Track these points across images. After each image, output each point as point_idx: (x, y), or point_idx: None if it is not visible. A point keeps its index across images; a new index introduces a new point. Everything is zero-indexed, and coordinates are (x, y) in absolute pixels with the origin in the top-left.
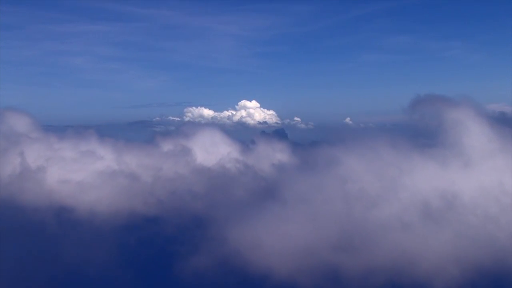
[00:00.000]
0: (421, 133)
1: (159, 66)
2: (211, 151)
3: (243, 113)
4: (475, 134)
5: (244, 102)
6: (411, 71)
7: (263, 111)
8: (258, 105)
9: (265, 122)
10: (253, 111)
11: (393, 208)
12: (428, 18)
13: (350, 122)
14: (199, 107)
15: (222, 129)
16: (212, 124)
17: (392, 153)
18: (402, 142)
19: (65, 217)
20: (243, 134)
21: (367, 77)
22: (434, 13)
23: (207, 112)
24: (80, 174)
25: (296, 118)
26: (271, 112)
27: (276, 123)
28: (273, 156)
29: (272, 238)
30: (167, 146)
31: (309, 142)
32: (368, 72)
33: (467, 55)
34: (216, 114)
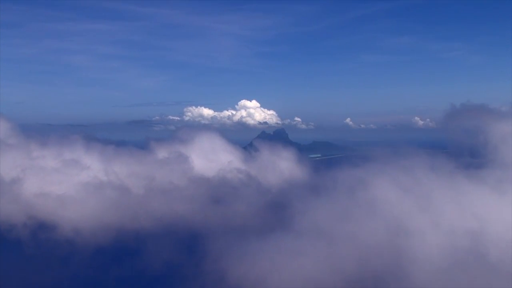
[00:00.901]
0: (463, 151)
1: (159, 65)
2: (210, 159)
3: (243, 113)
4: None
5: (244, 102)
6: (412, 72)
7: (263, 111)
8: (258, 105)
9: (265, 123)
10: (253, 111)
11: (435, 246)
12: (429, 19)
13: (351, 122)
14: (199, 107)
15: (222, 133)
16: (211, 127)
17: (432, 176)
18: (441, 162)
19: (44, 235)
20: (244, 134)
21: (367, 77)
22: (435, 14)
23: (207, 112)
24: (62, 187)
25: (296, 118)
26: (271, 112)
27: (277, 123)
28: (278, 165)
29: (280, 274)
30: (161, 152)
31: (309, 142)
32: (368, 73)
33: (468, 56)
34: (216, 113)
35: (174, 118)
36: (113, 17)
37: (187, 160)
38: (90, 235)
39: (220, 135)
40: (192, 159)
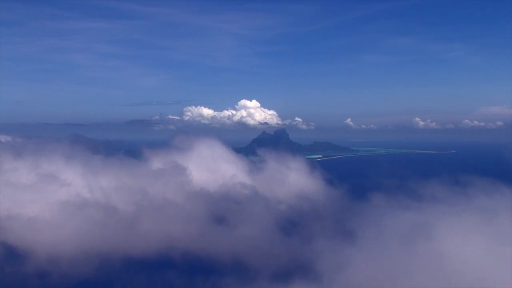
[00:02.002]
0: None
1: (159, 64)
2: (211, 170)
3: (243, 113)
4: None
5: (244, 102)
6: (412, 72)
7: (263, 111)
8: (259, 104)
9: (265, 123)
10: (254, 111)
11: None
12: (430, 20)
13: (351, 123)
14: (198, 106)
15: (223, 140)
16: (211, 133)
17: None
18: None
19: (13, 266)
20: (244, 134)
21: (368, 78)
22: (435, 15)
23: (207, 112)
24: (36, 207)
25: (297, 119)
26: (271, 112)
27: (277, 123)
28: (288, 177)
29: None
30: (156, 162)
31: (310, 143)
32: (369, 73)
33: (468, 57)
34: (216, 113)
35: (174, 117)
36: (113, 15)
37: (184, 172)
38: (69, 265)
39: (222, 142)
40: (190, 171)
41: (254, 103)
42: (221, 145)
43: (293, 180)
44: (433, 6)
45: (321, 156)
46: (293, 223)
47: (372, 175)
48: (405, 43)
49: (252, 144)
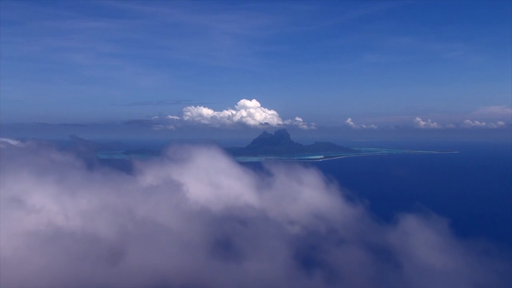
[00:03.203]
0: None
1: (159, 64)
2: (212, 186)
3: (243, 113)
4: None
5: (243, 102)
6: (413, 72)
7: (263, 111)
8: (259, 104)
9: (266, 123)
10: (254, 111)
11: None
12: (430, 19)
13: (351, 123)
14: (198, 106)
15: (225, 150)
16: (212, 141)
17: None
18: None
19: None
20: (244, 134)
21: (368, 78)
22: (436, 14)
23: (206, 112)
24: None
25: (297, 119)
26: (272, 112)
27: (278, 124)
28: (301, 193)
29: None
30: (147, 178)
31: (311, 143)
32: (369, 73)
33: (469, 57)
34: (215, 113)
35: (173, 117)
36: (113, 15)
37: (180, 189)
38: None
39: (223, 152)
40: (187, 188)
41: (254, 103)
42: (223, 155)
43: (306, 195)
44: (433, 6)
45: (322, 156)
46: (310, 249)
47: (389, 182)
48: (405, 42)
49: (253, 144)
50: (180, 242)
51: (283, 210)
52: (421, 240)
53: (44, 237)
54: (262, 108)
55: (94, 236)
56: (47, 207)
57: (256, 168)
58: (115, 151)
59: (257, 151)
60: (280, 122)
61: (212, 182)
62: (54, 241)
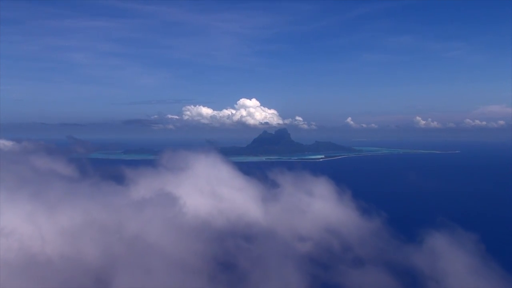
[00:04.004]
0: None
1: (159, 63)
2: (212, 198)
3: (243, 112)
4: None
5: (243, 101)
6: (413, 71)
7: (263, 110)
8: (258, 103)
9: (266, 123)
10: (254, 110)
11: None
12: (430, 18)
13: (351, 122)
14: (197, 106)
15: (226, 159)
16: (211, 146)
17: None
18: None
19: None
20: (244, 134)
21: (368, 77)
22: (436, 13)
23: (206, 111)
24: None
25: (298, 118)
26: (272, 111)
27: (278, 123)
28: (311, 205)
29: None
30: (141, 189)
31: (312, 143)
32: (369, 72)
33: (469, 56)
34: (215, 113)
35: (173, 117)
36: (113, 14)
37: (176, 202)
38: None
39: (223, 158)
40: (185, 201)
41: (253, 102)
42: (222, 161)
43: (317, 208)
44: (433, 5)
45: (323, 156)
46: (325, 269)
47: (398, 185)
48: (405, 41)
49: (253, 144)
50: (177, 265)
51: (291, 224)
52: (448, 258)
53: (14, 267)
54: (262, 107)
55: (76, 263)
56: (19, 229)
57: (259, 172)
58: (114, 151)
59: (258, 150)
60: (280, 122)
61: (211, 193)
62: (27, 272)
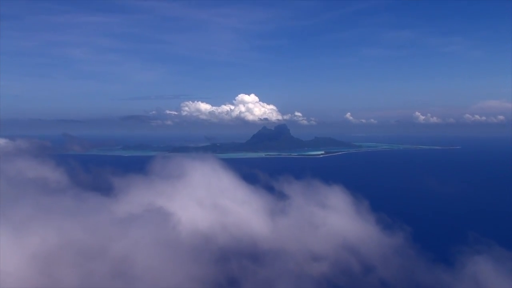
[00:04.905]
0: None
1: (157, 59)
2: (211, 213)
3: (242, 108)
4: None
5: (242, 96)
6: (412, 66)
7: (262, 106)
8: (257, 99)
9: (265, 118)
10: (252, 106)
11: None
12: (429, 13)
13: (351, 117)
14: (196, 101)
15: (226, 165)
16: (210, 156)
17: None
18: None
19: None
20: (244, 130)
21: (367, 72)
22: (435, 8)
23: (204, 107)
24: None
25: (297, 113)
26: (271, 106)
27: (277, 119)
28: (325, 218)
29: None
30: (129, 202)
31: (311, 138)
32: (368, 67)
33: (468, 51)
34: (213, 108)
35: (171, 112)
36: (112, 9)
37: (170, 217)
38: None
39: (224, 168)
40: (181, 216)
41: (252, 98)
42: (225, 171)
43: (332, 222)
44: (432, 0)
45: (323, 152)
46: None
47: (410, 185)
48: (404, 36)
49: (253, 140)
50: None
51: (302, 241)
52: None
53: None
54: (261, 102)
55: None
56: None
57: (261, 173)
58: (112, 147)
59: (257, 146)
60: (280, 117)
61: (212, 205)
62: None
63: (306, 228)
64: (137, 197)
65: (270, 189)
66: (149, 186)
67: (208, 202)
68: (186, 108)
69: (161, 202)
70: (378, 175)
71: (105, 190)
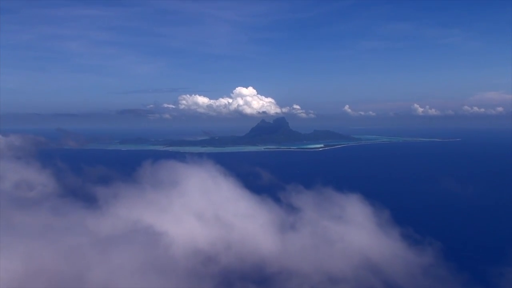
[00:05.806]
0: None
1: (155, 52)
2: (210, 230)
3: (239, 101)
4: None
5: (239, 89)
6: (410, 58)
7: (260, 99)
8: (255, 92)
9: (264, 112)
10: (250, 99)
11: None
12: (427, 5)
13: (349, 110)
14: (193, 95)
15: (226, 170)
16: (207, 163)
17: None
18: None
19: None
20: (242, 123)
21: (365, 64)
22: (433, 0)
23: (202, 100)
24: None
25: (295, 106)
26: (269, 99)
27: (276, 112)
28: (342, 234)
29: None
30: (115, 216)
31: (310, 132)
32: (366, 59)
33: (466, 42)
34: (211, 102)
35: (169, 106)
36: (108, 3)
37: (160, 236)
38: None
39: (224, 174)
40: (173, 234)
41: (250, 91)
42: (225, 178)
43: (350, 239)
44: None
45: (322, 145)
46: None
47: (420, 183)
48: (402, 28)
49: (251, 133)
50: None
51: (318, 262)
52: None
53: None
54: (259, 95)
55: None
56: None
57: (264, 175)
58: (110, 141)
59: (256, 140)
60: (278, 110)
61: (210, 218)
62: None
63: (321, 244)
64: (124, 209)
65: (276, 194)
66: (139, 195)
67: (207, 214)
68: (184, 102)
69: (152, 217)
70: (382, 168)
71: (90, 198)
